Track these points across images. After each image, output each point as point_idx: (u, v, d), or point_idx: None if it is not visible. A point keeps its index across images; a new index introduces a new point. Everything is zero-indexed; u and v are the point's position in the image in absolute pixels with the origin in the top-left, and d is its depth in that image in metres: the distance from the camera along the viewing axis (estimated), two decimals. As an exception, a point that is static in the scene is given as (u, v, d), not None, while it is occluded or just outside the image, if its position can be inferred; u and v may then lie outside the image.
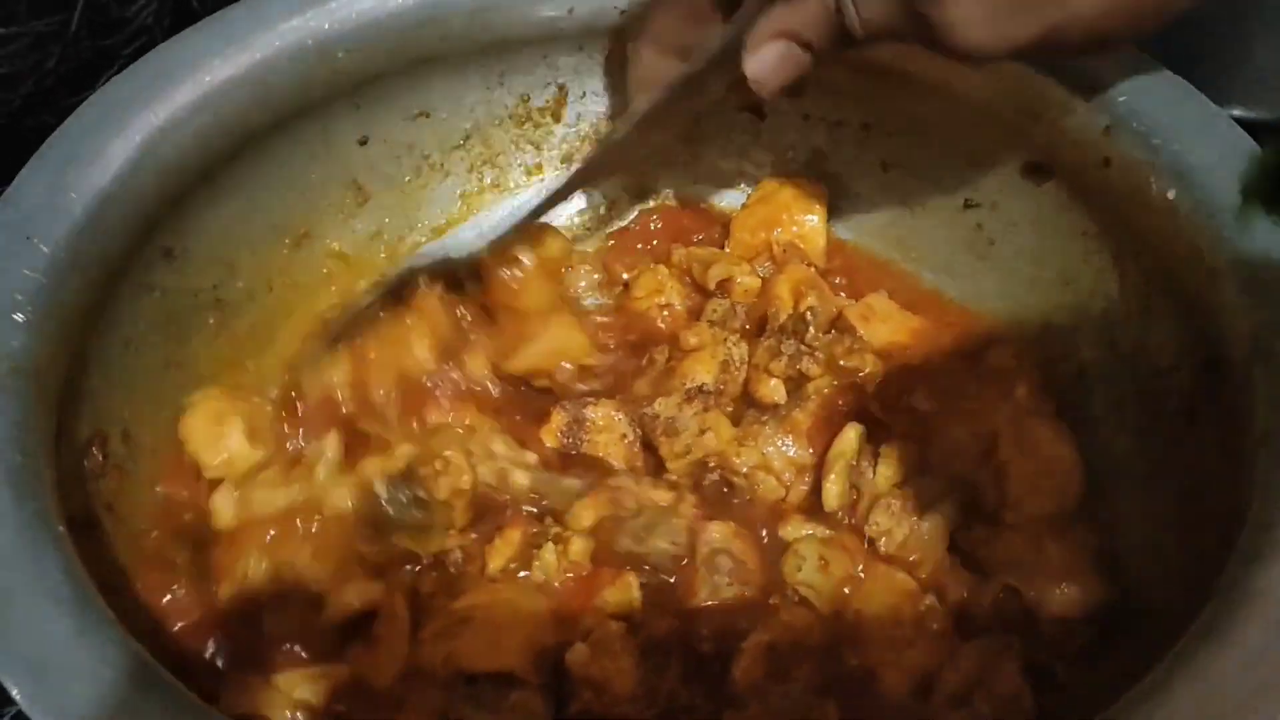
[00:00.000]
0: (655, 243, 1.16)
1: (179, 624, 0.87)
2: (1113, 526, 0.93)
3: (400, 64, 1.06)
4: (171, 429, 0.96)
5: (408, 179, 1.15)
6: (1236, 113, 0.93)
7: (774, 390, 1.00)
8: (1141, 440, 0.95)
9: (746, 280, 1.08)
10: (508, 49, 1.10)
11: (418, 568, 0.92)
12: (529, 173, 1.19)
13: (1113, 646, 0.86)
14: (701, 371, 1.01)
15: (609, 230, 1.19)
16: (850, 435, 0.95)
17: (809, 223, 1.12)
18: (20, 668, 0.64)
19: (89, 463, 0.86)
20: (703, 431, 0.97)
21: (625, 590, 0.88)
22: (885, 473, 0.96)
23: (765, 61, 0.82)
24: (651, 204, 1.20)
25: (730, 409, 1.01)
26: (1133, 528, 0.92)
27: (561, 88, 1.15)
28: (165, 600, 0.86)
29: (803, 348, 1.00)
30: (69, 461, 0.84)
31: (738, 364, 1.02)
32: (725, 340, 1.03)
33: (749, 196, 1.16)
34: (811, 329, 1.01)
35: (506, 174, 1.19)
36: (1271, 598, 0.66)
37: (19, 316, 0.79)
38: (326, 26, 1.00)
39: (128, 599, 0.85)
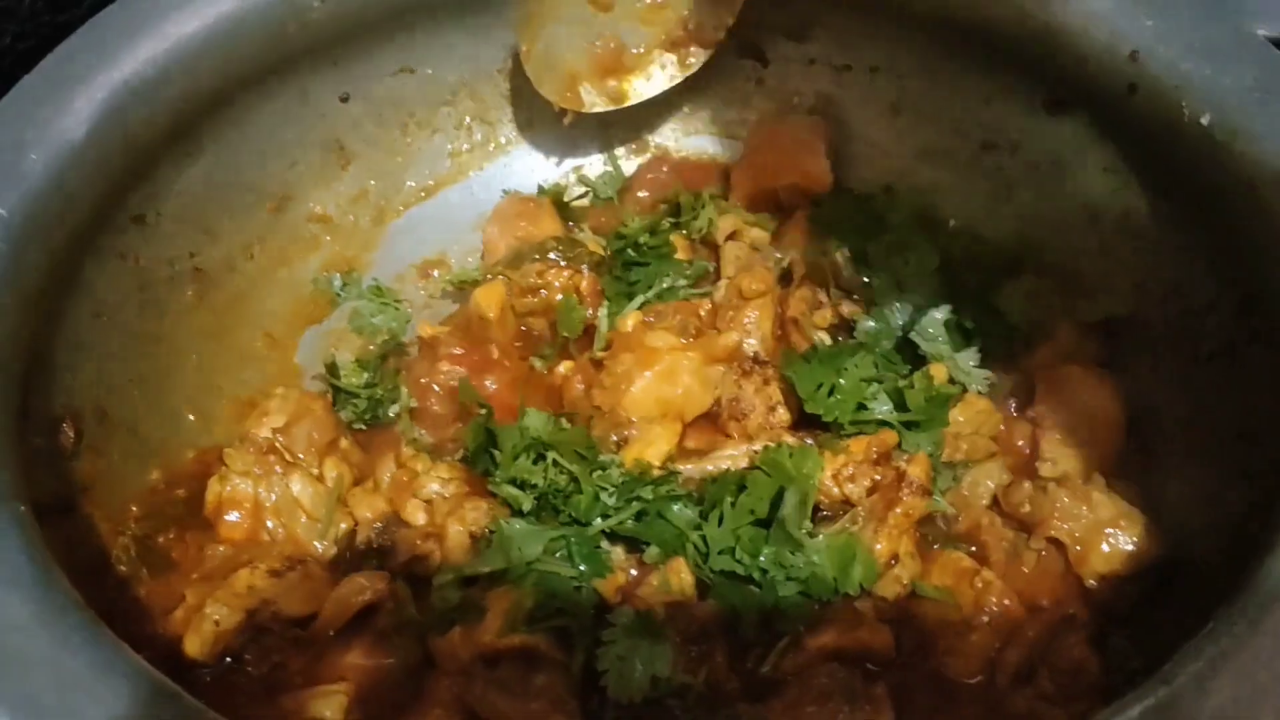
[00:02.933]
0: (659, 194, 1.10)
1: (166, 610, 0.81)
2: (1158, 477, 0.88)
3: (378, 17, 1.00)
4: (151, 406, 0.90)
5: (393, 138, 1.09)
6: (1263, 31, 0.88)
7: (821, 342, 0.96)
8: (1181, 385, 0.90)
9: (755, 231, 1.03)
10: (493, 1, 1.04)
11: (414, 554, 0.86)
12: (521, 128, 1.13)
13: (1163, 604, 0.81)
14: (764, 321, 0.96)
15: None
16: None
17: (813, 161, 1.06)
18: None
19: (61, 440, 0.81)
20: (771, 409, 0.92)
21: (677, 574, 0.83)
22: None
23: None
24: (652, 156, 1.14)
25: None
26: (1180, 478, 0.87)
27: (549, 39, 1.09)
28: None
29: (838, 291, 0.94)
30: (39, 441, 0.79)
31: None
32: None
33: (745, 144, 1.10)
34: (845, 271, 0.95)
35: (497, 130, 1.13)
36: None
37: (-25, 284, 0.74)
38: (298, -24, 0.94)
39: (108, 582, 0.80)
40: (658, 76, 1.05)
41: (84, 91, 0.84)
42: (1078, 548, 0.84)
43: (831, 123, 1.10)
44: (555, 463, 0.85)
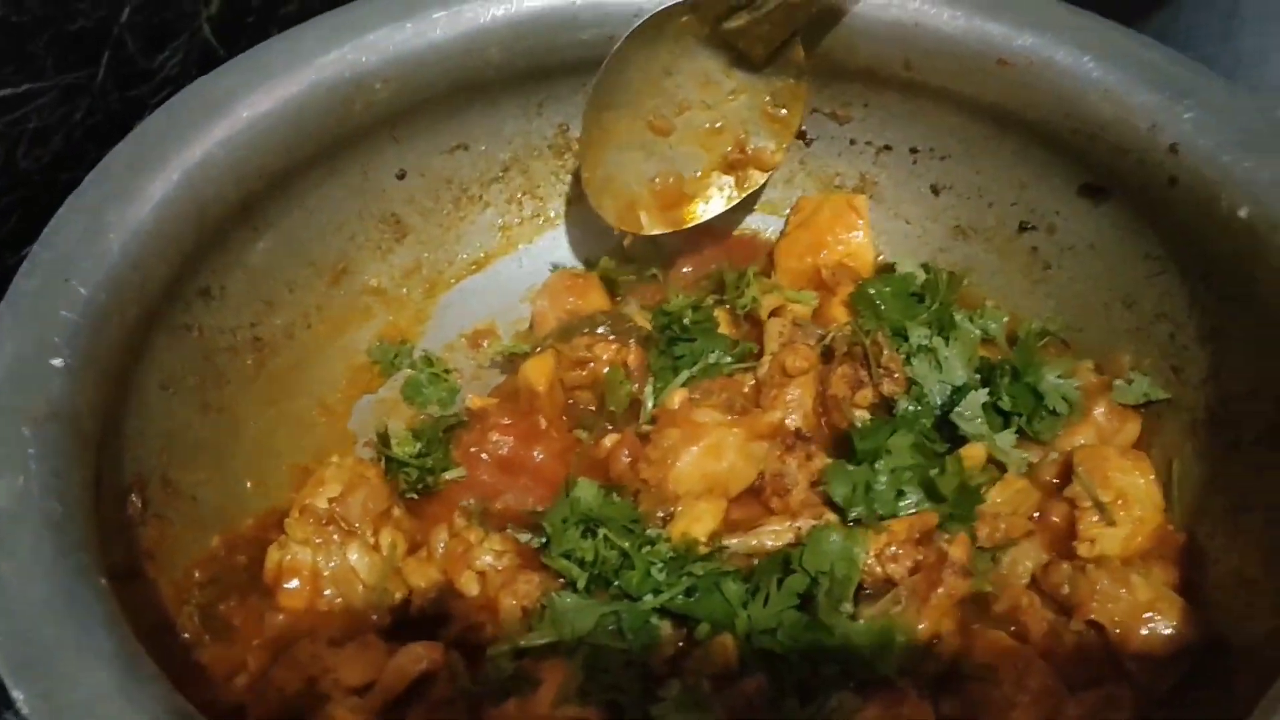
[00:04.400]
0: (702, 270, 1.13)
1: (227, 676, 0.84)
2: (1199, 560, 0.89)
3: (438, 95, 1.04)
4: (211, 474, 0.93)
5: (446, 212, 1.12)
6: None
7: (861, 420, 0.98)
8: (1221, 469, 0.91)
9: (798, 308, 1.05)
10: (546, 77, 1.08)
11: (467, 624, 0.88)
12: (569, 203, 1.16)
13: (1204, 685, 0.82)
14: (806, 398, 0.98)
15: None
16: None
17: (854, 239, 1.09)
18: (66, 727, 0.61)
19: (129, 510, 0.84)
20: (814, 485, 0.94)
21: (723, 649, 0.84)
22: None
23: None
24: (697, 233, 1.17)
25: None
26: (1220, 560, 0.89)
27: (601, 116, 1.13)
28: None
29: (880, 370, 0.97)
30: (109, 510, 0.81)
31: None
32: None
33: (787, 221, 1.13)
34: (886, 350, 0.98)
35: (547, 204, 1.17)
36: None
37: (57, 361, 0.77)
38: (364, 59, 0.98)
39: (172, 648, 0.82)
40: (716, 200, 1.09)
41: (160, 172, 0.87)
42: (1117, 630, 0.85)
43: (873, 201, 1.13)
44: (605, 538, 0.88)
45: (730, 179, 1.09)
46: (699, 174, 1.08)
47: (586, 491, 0.91)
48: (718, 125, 1.06)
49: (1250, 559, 0.86)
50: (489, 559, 0.90)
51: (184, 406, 0.93)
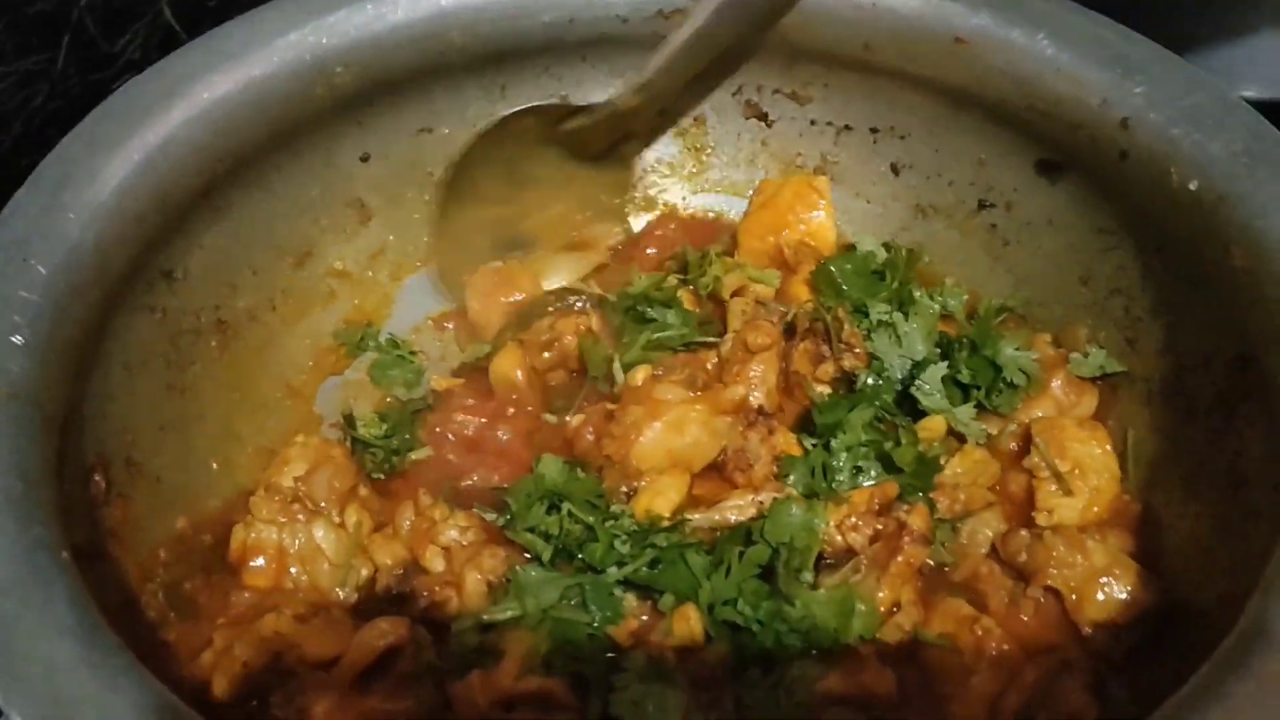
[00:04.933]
0: (666, 251, 1.14)
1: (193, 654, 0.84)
2: (1155, 527, 0.91)
3: (401, 79, 1.04)
4: (176, 455, 0.93)
5: (411, 195, 1.13)
6: (1248, 94, 0.92)
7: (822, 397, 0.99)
8: (1176, 439, 0.93)
9: (760, 287, 1.06)
10: (509, 61, 1.08)
11: (432, 600, 0.89)
12: (533, 185, 1.17)
13: (1160, 651, 0.84)
14: (768, 375, 0.99)
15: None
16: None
17: (816, 219, 1.10)
18: (28, 697, 0.61)
19: (93, 490, 0.84)
20: (776, 459, 0.95)
21: (685, 620, 0.85)
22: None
23: None
24: (659, 214, 1.18)
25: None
26: (1175, 527, 0.90)
27: (564, 98, 1.13)
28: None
29: (840, 345, 0.98)
30: (72, 489, 0.81)
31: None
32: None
33: (750, 202, 1.14)
34: (847, 325, 0.99)
35: (510, 188, 1.17)
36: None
37: (17, 339, 0.77)
38: (324, 42, 0.98)
39: (137, 626, 0.82)
40: (555, 279, 1.13)
41: (120, 153, 0.88)
42: (1074, 596, 0.86)
43: (834, 181, 1.14)
44: (570, 513, 0.88)
45: (575, 255, 1.15)
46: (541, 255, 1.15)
47: (551, 467, 0.92)
48: (558, 211, 1.13)
49: (1204, 526, 0.87)
50: (454, 534, 0.91)
51: (148, 387, 0.93)
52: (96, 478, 0.84)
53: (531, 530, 0.89)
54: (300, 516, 0.90)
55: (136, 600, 0.83)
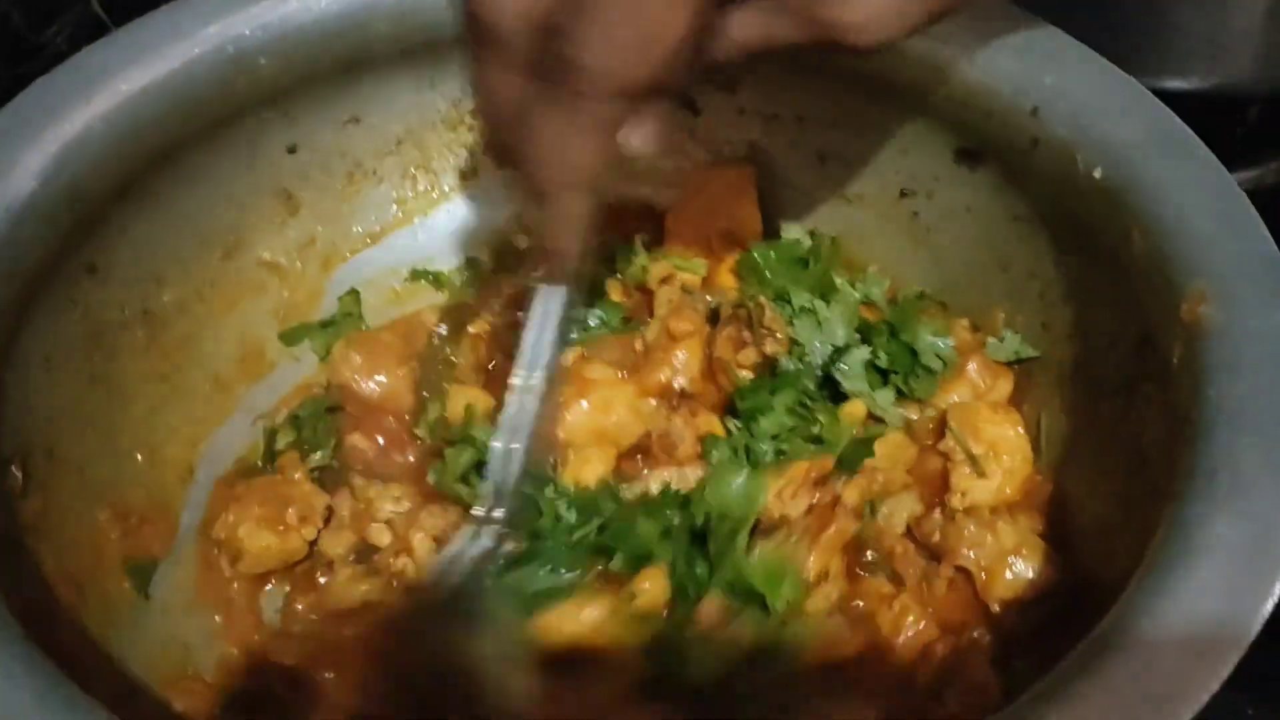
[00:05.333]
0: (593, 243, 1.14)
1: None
2: (1064, 507, 0.93)
3: (326, 70, 1.04)
4: (99, 447, 0.94)
5: (340, 186, 1.13)
6: (1164, 85, 0.94)
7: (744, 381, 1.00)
8: (1085, 421, 0.95)
9: (687, 276, 1.07)
10: (437, 52, 1.09)
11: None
12: (464, 176, 1.18)
13: (1066, 627, 0.85)
14: (692, 361, 1.01)
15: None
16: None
17: (743, 209, 1.11)
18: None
19: (9, 483, 0.84)
20: (700, 439, 0.97)
21: (654, 580, 0.87)
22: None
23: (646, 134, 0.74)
24: (588, 204, 1.19)
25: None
26: (1085, 507, 0.92)
27: (493, 90, 1.14)
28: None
29: (762, 331, 0.99)
30: (-12, 482, 0.82)
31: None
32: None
33: (678, 192, 1.15)
34: (768, 311, 1.00)
35: (441, 178, 1.18)
36: (1202, 563, 0.65)
37: (-72, 333, 0.77)
38: (246, 33, 0.98)
39: (55, 619, 0.83)
40: None
41: (35, 147, 0.87)
42: (983, 575, 0.88)
43: (761, 170, 1.15)
44: None
45: None
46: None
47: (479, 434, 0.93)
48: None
49: (1110, 505, 0.89)
50: (389, 507, 0.92)
51: (70, 381, 0.93)
52: (14, 469, 0.85)
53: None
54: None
55: (55, 594, 0.83)
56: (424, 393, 1.06)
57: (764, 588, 0.87)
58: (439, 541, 0.90)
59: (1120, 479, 0.89)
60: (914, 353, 0.99)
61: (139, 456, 0.97)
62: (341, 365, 1.06)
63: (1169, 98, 0.90)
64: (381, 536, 0.94)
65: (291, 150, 1.09)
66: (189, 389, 1.03)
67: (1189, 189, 0.83)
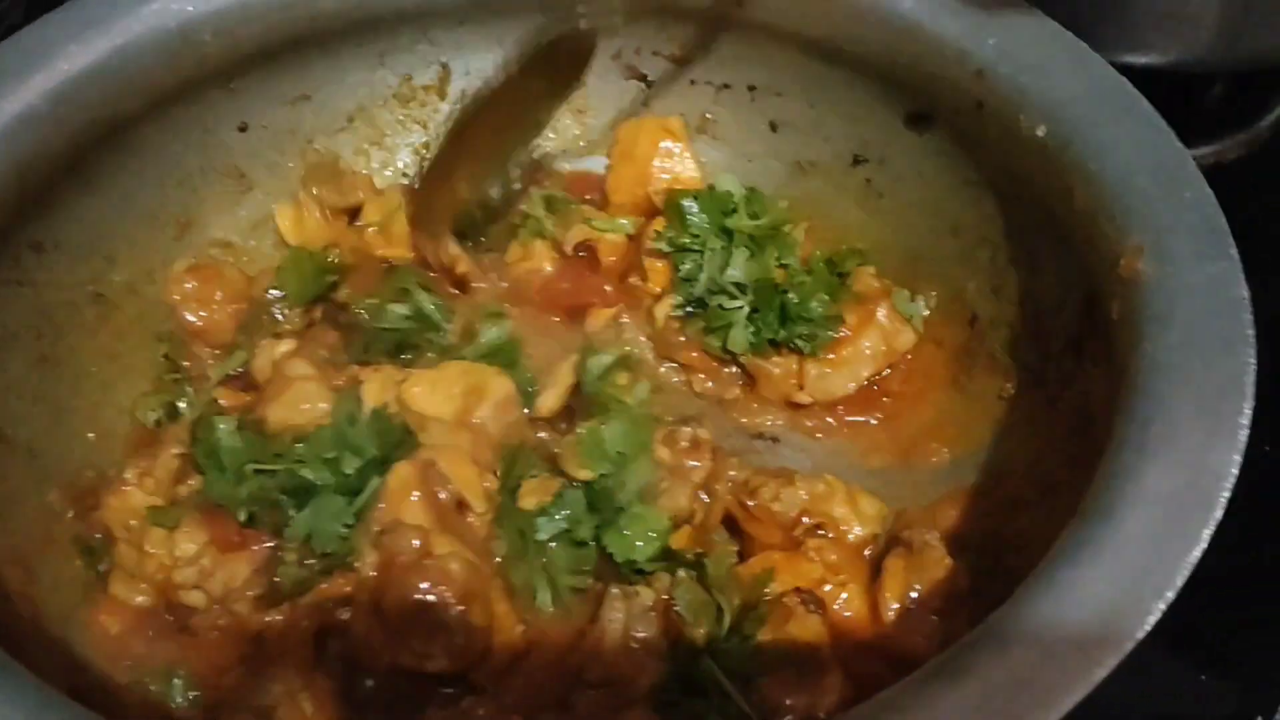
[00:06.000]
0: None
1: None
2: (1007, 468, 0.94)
3: (273, 46, 1.04)
4: (49, 427, 0.93)
5: (291, 165, 1.13)
6: (1124, 59, 0.94)
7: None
8: (1036, 379, 0.95)
9: (610, 236, 1.08)
10: (385, 28, 1.09)
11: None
12: (416, 152, 1.17)
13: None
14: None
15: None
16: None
17: (679, 164, 1.12)
18: None
19: (-44, 462, 0.84)
20: None
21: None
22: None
23: None
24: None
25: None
26: (1030, 467, 0.92)
27: (445, 65, 1.14)
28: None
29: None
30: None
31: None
32: None
33: (610, 154, 1.15)
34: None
35: (395, 155, 1.17)
36: (1128, 518, 0.66)
37: None
38: (190, 9, 0.98)
39: (5, 605, 0.83)
40: None
41: (-24, 125, 0.87)
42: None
43: (715, 139, 1.15)
44: None
45: None
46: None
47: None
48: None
49: (1058, 464, 0.90)
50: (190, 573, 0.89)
51: (18, 360, 0.93)
52: (-39, 451, 0.85)
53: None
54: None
55: (2, 576, 0.83)
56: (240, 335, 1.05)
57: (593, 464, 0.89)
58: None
59: (1067, 439, 0.89)
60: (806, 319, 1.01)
61: (90, 436, 0.97)
62: (173, 285, 1.05)
63: (1129, 73, 0.89)
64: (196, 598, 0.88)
65: (242, 129, 1.08)
66: (141, 368, 1.03)
67: (1129, 145, 0.84)
